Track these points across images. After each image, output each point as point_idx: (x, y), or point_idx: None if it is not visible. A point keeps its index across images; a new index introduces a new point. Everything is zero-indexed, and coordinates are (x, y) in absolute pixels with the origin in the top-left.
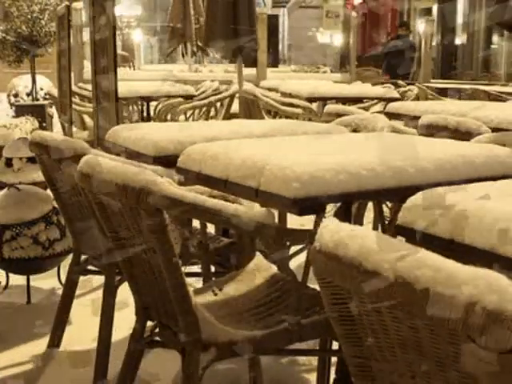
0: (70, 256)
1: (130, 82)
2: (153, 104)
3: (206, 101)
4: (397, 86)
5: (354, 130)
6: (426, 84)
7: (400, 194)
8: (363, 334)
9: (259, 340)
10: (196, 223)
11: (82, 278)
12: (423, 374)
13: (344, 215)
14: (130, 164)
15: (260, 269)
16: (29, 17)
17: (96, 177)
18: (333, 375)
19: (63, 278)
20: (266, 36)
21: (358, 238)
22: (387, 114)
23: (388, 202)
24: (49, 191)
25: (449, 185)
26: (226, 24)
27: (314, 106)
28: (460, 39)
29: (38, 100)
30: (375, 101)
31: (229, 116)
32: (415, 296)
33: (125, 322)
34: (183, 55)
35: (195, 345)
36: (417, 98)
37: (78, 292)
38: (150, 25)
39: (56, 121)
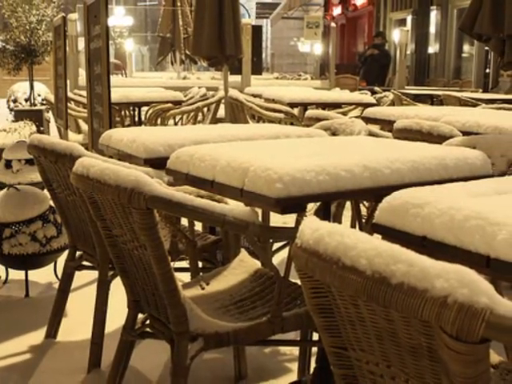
0: (66, 252)
1: (122, 88)
2: (144, 109)
3: (193, 106)
4: (373, 92)
5: (333, 134)
6: (401, 90)
7: (376, 193)
8: (341, 326)
9: (244, 331)
10: (184, 221)
11: (77, 272)
12: (398, 363)
13: (324, 214)
14: (122, 165)
15: (245, 264)
16: (27, 27)
17: (90, 177)
18: (313, 364)
19: (59, 272)
20: (250, 45)
21: (336, 235)
22: (364, 119)
23: (365, 202)
24: (46, 191)
25: (422, 185)
26: (212, 34)
27: (296, 111)
28: (433, 48)
29: (35, 105)
30: (353, 106)
31: (215, 120)
32: (391, 289)
33: (117, 314)
34: (172, 63)
35: (183, 336)
36: (392, 104)
37: (73, 286)
38: (141, 35)
39: (53, 125)
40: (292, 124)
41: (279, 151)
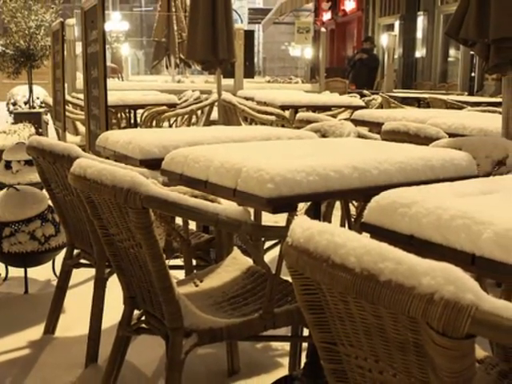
0: (64, 250)
1: (118, 91)
2: (139, 112)
3: (187, 109)
4: (362, 95)
5: (323, 136)
6: (389, 93)
7: (365, 193)
8: (331, 322)
9: (236, 327)
10: (179, 220)
11: (74, 270)
12: (386, 358)
13: (314, 213)
14: (119, 166)
15: (237, 262)
16: (26, 32)
17: (87, 178)
18: (304, 359)
19: (58, 270)
20: (243, 49)
21: (326, 234)
22: (353, 121)
23: (354, 201)
24: (44, 191)
25: (409, 185)
26: (206, 38)
27: (287, 113)
28: (420, 52)
29: (34, 108)
30: (342, 109)
31: (209, 123)
32: (379, 287)
33: (114, 310)
34: (167, 67)
35: (178, 331)
36: (380, 106)
37: (71, 283)
38: (137, 39)
39: (51, 127)
40: (283, 126)
41: (271, 152)
